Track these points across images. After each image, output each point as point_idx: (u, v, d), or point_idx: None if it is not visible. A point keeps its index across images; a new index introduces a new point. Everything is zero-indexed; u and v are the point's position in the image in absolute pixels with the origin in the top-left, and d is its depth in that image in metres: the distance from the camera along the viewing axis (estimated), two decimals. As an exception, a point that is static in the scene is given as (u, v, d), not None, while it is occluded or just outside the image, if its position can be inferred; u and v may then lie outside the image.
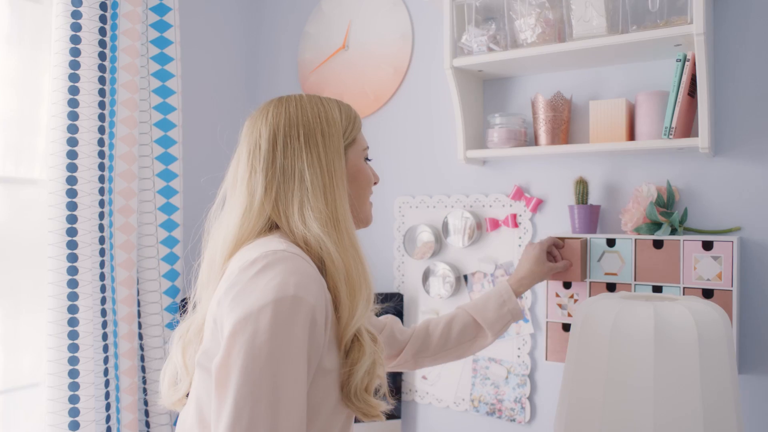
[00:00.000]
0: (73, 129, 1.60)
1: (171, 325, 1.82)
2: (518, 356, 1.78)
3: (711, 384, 1.11)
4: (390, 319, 1.35)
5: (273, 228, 0.96)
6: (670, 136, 1.48)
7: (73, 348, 1.57)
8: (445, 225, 1.87)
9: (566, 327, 1.60)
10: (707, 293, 1.44)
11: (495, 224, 1.81)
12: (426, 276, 1.91)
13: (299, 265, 0.84)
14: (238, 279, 0.83)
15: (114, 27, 1.72)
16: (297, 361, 0.79)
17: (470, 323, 1.38)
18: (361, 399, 0.88)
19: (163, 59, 1.82)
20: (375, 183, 1.10)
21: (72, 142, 1.60)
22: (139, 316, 1.80)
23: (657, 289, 1.49)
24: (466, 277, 1.86)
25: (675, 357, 1.11)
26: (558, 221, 1.74)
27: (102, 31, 1.66)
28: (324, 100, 1.02)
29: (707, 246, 1.45)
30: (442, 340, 1.35)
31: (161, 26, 1.82)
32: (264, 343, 0.77)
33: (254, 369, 0.77)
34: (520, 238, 1.78)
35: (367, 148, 1.07)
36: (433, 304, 1.91)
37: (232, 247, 0.93)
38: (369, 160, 1.09)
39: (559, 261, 1.55)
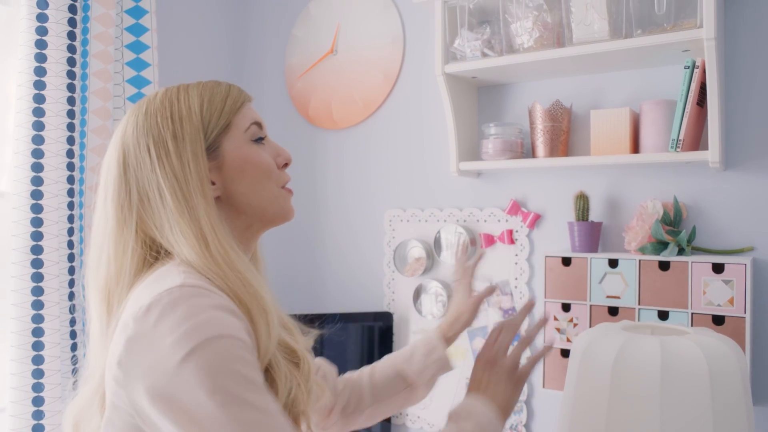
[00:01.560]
0: (38, 140, 1.50)
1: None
2: (514, 381, 1.67)
3: (724, 423, 1.00)
4: (323, 362, 1.10)
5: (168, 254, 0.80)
6: (678, 149, 1.37)
7: (38, 374, 1.47)
8: (438, 240, 1.77)
9: (565, 353, 1.49)
10: (718, 320, 1.33)
11: (490, 240, 1.70)
12: (417, 294, 1.80)
13: (204, 300, 0.69)
14: (136, 334, 0.69)
15: (85, 31, 1.62)
16: (255, 395, 0.67)
17: (394, 374, 1.12)
18: None
19: (138, 65, 1.72)
20: (286, 165, 0.88)
21: (37, 153, 1.50)
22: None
23: (663, 315, 1.38)
24: (459, 295, 1.75)
25: (684, 395, 1.00)
26: (557, 238, 1.63)
27: (71, 35, 1.56)
28: (183, 90, 0.83)
29: (718, 269, 1.34)
30: (373, 391, 1.11)
31: (137, 30, 1.72)
32: (212, 407, 0.65)
33: None
34: (516, 255, 1.67)
35: (255, 125, 0.85)
36: (425, 324, 1.80)
37: (106, 306, 0.79)
38: (261, 139, 0.86)
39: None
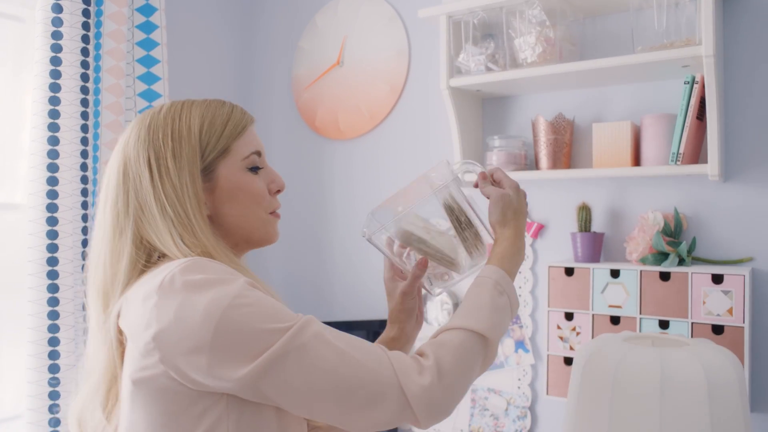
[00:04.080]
0: (53, 154, 1.54)
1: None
2: (518, 387, 1.70)
3: (721, 432, 1.04)
4: None
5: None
6: (678, 162, 1.40)
7: (54, 382, 1.51)
8: (443, 249, 1.80)
9: (568, 360, 1.53)
10: (717, 329, 1.36)
11: (494, 249, 1.74)
12: (423, 302, 1.83)
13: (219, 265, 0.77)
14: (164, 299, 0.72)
15: (98, 46, 1.66)
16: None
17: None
18: None
19: (149, 79, 1.76)
20: (278, 191, 0.91)
21: (53, 167, 1.54)
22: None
23: (664, 324, 1.41)
24: (464, 303, 1.79)
25: (683, 405, 1.04)
26: (560, 247, 1.66)
27: (84, 52, 1.60)
28: (187, 108, 0.86)
29: (717, 279, 1.37)
30: None
31: (148, 45, 1.76)
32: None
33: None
34: (520, 264, 1.70)
35: (255, 154, 0.87)
36: (430, 331, 1.84)
37: (102, 305, 0.83)
38: (258, 168, 0.88)
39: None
